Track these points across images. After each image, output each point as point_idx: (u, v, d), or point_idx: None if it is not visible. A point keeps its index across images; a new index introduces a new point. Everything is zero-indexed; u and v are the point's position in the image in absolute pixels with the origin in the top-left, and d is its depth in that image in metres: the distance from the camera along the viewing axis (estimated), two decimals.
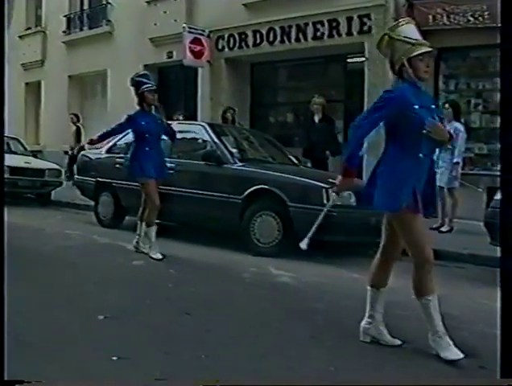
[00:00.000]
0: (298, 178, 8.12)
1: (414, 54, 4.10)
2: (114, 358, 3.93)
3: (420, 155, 4.09)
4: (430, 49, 4.17)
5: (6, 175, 13.38)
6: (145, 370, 3.79)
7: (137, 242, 7.89)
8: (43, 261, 7.13)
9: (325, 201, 7.53)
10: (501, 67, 3.36)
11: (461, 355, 3.95)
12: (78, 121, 17.70)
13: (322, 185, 7.70)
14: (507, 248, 3.14)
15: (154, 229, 7.71)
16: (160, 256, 7.41)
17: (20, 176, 13.02)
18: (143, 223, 7.80)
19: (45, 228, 9.67)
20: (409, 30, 4.22)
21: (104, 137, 8.31)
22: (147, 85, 7.82)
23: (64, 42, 19.73)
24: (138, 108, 7.89)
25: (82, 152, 11.27)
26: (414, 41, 4.14)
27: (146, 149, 7.63)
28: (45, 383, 3.39)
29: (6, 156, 14.79)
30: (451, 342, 4.02)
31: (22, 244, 7.96)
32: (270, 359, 4.06)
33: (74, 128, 17.44)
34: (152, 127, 7.69)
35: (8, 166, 13.44)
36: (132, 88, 7.93)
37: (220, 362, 3.99)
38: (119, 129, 8.22)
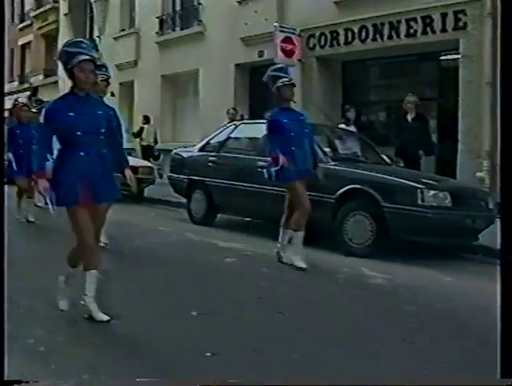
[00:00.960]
0: (391, 177, 8.00)
1: None
2: (208, 354, 3.98)
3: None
4: None
5: None
6: (237, 367, 3.81)
7: (278, 252, 7.23)
8: (138, 257, 7.29)
9: (419, 201, 7.40)
10: (502, 69, 3.30)
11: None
12: (147, 122, 18.53)
13: (416, 185, 7.57)
14: (507, 248, 3.11)
15: (301, 235, 7.00)
16: (304, 266, 6.82)
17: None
18: (289, 230, 7.08)
19: (140, 224, 9.89)
20: None
21: None
22: (284, 79, 7.11)
23: (156, 42, 20.10)
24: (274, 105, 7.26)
25: (174, 150, 11.43)
26: None
27: (292, 148, 6.95)
28: (44, 383, 3.45)
29: None
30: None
31: (118, 239, 8.19)
32: (361, 360, 4.04)
33: (138, 128, 18.61)
34: (295, 125, 7.02)
35: None
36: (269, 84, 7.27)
37: (312, 361, 3.99)
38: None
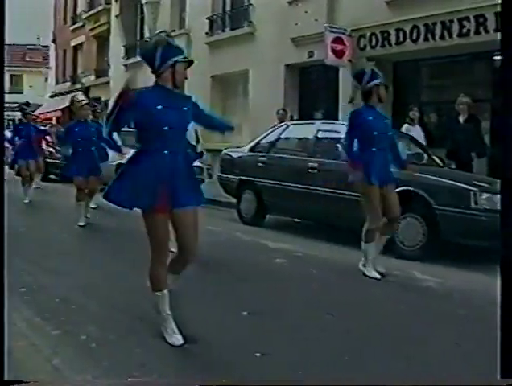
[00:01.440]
0: (444, 179, 7.91)
1: None
2: (258, 354, 4.01)
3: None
4: None
5: None
6: (286, 368, 3.84)
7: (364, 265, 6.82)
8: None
9: (472, 204, 7.31)
10: (502, 68, 3.25)
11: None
12: None
13: (469, 188, 7.48)
14: (508, 249, 3.21)
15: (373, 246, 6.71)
16: (378, 276, 6.62)
17: None
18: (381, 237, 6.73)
19: None
20: None
21: None
22: (379, 80, 6.91)
23: (206, 43, 20.21)
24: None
25: (224, 150, 11.51)
26: None
27: (373, 150, 6.54)
28: (44, 384, 3.50)
29: None
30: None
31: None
32: (412, 363, 4.04)
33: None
34: (379, 124, 6.62)
35: None
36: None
37: (362, 363, 3.99)
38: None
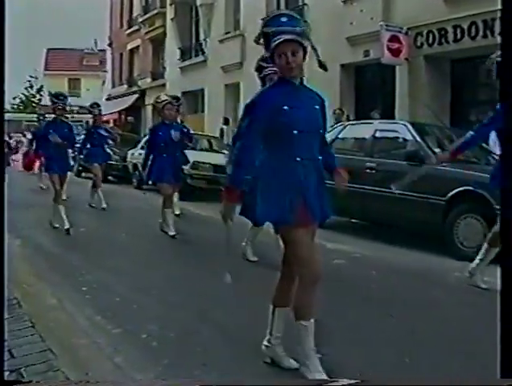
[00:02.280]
0: None
1: None
2: (318, 355, 3.97)
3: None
4: None
5: (210, 173, 14.04)
6: (347, 369, 3.80)
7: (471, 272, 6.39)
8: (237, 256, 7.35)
9: None
10: (502, 67, 3.13)
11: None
12: (226, 123, 19.72)
13: None
14: (507, 249, 3.05)
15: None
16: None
17: (222, 174, 13.47)
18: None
19: (243, 224, 9.98)
20: None
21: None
22: None
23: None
24: None
25: None
26: None
27: None
28: (44, 384, 3.49)
29: (209, 154, 15.56)
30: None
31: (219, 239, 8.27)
32: (472, 365, 3.97)
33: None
34: None
35: (211, 164, 14.05)
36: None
37: (424, 364, 3.93)
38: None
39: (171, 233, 8.79)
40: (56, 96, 9.70)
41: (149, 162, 9.13)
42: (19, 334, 4.24)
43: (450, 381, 3.65)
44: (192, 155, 14.79)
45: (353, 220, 10.29)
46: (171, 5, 27.41)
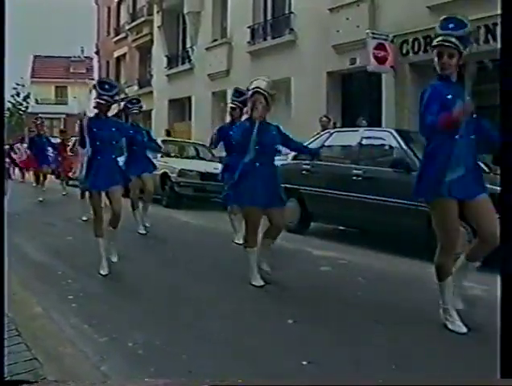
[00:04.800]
0: (490, 186, 7.75)
1: None
2: (304, 362, 3.99)
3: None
4: None
5: (197, 180, 14.05)
6: (333, 375, 3.80)
7: None
8: (232, 263, 7.35)
9: None
10: (501, 66, 3.40)
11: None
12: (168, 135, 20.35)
13: None
14: (508, 250, 3.16)
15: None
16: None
17: (209, 181, 13.50)
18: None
19: (232, 231, 9.99)
20: None
21: None
22: None
23: (248, 52, 20.31)
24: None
25: None
26: None
27: None
28: (45, 384, 3.50)
29: (196, 162, 15.59)
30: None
31: (212, 246, 8.31)
32: (463, 372, 3.95)
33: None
34: None
35: (198, 172, 14.07)
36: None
37: (410, 372, 3.94)
38: None
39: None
40: (102, 86, 7.03)
41: None
42: (5, 343, 4.22)
43: (450, 381, 3.67)
44: (179, 163, 14.86)
45: (340, 227, 10.32)
46: (158, 12, 27.42)
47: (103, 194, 6.85)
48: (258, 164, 6.13)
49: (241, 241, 8.02)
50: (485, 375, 3.69)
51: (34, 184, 16.07)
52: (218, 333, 4.68)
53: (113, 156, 6.98)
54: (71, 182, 16.90)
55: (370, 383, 3.72)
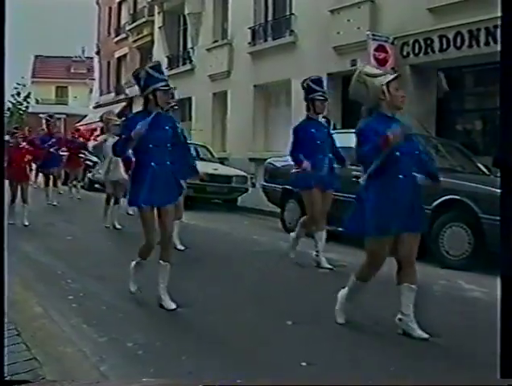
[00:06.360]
0: (490, 188, 7.79)
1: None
2: (303, 363, 4.00)
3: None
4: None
5: (196, 181, 14.04)
6: (332, 376, 3.81)
7: None
8: (233, 265, 7.37)
9: None
10: (501, 67, 3.35)
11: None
12: None
13: None
14: (508, 251, 3.18)
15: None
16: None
17: (209, 182, 13.50)
18: None
19: (232, 233, 10.01)
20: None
21: None
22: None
23: (249, 53, 20.32)
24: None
25: (268, 160, 11.53)
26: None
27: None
28: (44, 383, 3.51)
29: (196, 163, 15.56)
30: None
31: (212, 247, 8.30)
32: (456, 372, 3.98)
33: None
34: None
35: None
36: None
37: (409, 373, 3.95)
38: None
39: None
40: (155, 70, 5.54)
41: None
42: (5, 343, 4.23)
43: (450, 381, 3.68)
44: None
45: (340, 229, 10.31)
46: (159, 13, 27.42)
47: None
48: None
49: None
50: (485, 375, 3.72)
51: (39, 186, 15.77)
52: (217, 333, 4.70)
53: (168, 162, 5.50)
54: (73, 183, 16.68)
55: (369, 385, 3.72)
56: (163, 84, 5.39)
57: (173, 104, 8.03)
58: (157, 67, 5.55)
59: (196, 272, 6.97)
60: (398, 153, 4.54)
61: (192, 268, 7.16)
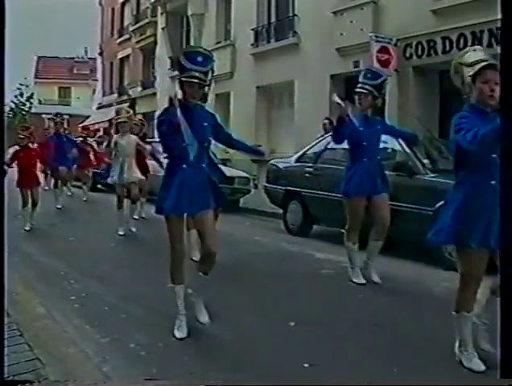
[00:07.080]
0: None
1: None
2: (306, 365, 4.00)
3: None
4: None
5: None
6: (334, 378, 3.82)
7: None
8: (235, 266, 7.36)
9: None
10: (501, 66, 3.26)
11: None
12: None
13: None
14: (507, 251, 3.10)
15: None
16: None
17: None
18: None
19: (234, 234, 9.99)
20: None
21: None
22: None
23: (251, 54, 20.32)
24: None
25: (271, 161, 11.52)
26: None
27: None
28: (47, 384, 3.51)
29: None
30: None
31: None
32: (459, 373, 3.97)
33: None
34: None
35: None
36: None
37: (410, 373, 3.95)
38: None
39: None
40: (189, 58, 4.81)
41: None
42: (7, 343, 4.23)
43: (450, 381, 3.67)
44: None
45: (342, 230, 10.30)
46: (162, 14, 27.45)
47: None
48: None
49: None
50: (484, 375, 3.72)
51: (47, 188, 15.66)
52: (218, 334, 4.70)
53: (203, 164, 4.78)
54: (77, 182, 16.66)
55: (371, 385, 3.72)
56: (187, 74, 4.66)
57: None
58: (190, 53, 4.82)
59: (196, 272, 6.95)
60: (494, 156, 3.73)
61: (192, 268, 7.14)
